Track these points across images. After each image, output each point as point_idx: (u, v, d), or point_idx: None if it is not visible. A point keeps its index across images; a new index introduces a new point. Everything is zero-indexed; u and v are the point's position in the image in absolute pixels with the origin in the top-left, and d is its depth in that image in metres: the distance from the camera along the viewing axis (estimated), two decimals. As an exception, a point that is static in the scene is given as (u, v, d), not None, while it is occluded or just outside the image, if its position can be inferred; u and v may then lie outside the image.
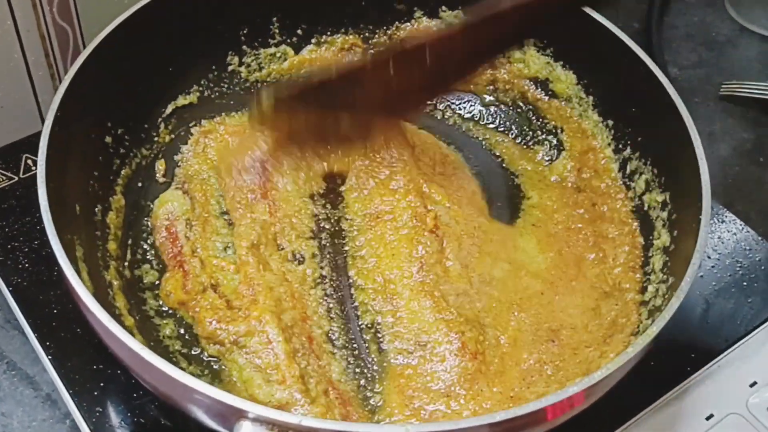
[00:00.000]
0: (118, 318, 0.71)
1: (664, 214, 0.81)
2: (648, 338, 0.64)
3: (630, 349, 0.63)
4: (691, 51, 1.22)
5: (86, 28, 0.95)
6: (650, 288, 0.77)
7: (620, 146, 0.89)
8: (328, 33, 0.99)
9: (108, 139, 0.84)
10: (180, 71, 0.92)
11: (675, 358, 0.80)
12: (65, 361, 0.77)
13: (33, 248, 0.86)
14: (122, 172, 0.86)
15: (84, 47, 0.92)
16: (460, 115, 0.99)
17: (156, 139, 0.91)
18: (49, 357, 0.78)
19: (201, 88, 0.95)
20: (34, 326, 0.80)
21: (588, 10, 0.85)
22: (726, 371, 0.80)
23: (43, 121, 0.95)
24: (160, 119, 0.92)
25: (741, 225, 0.92)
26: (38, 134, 0.93)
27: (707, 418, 0.78)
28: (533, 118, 0.97)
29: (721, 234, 0.91)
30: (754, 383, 0.80)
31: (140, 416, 0.74)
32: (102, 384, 0.76)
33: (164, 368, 0.59)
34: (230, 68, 0.97)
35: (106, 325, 0.61)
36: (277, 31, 0.97)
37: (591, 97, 0.92)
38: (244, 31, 0.95)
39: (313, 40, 0.99)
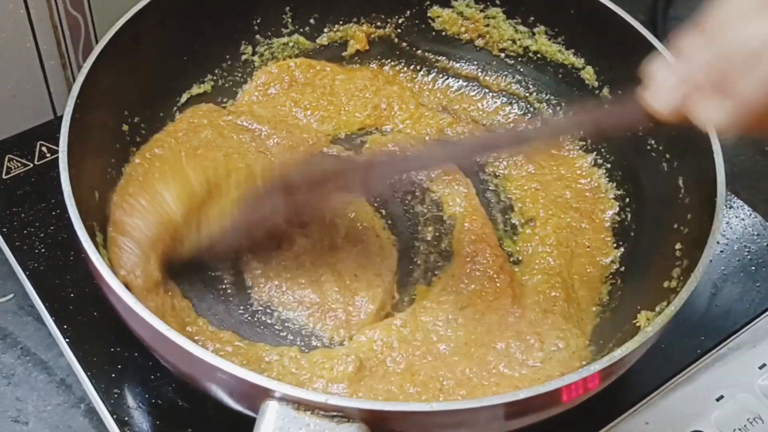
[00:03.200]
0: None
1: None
2: (666, 318, 0.64)
3: (649, 329, 0.63)
4: None
5: (98, 18, 0.95)
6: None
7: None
8: (341, 22, 1.00)
9: (125, 128, 0.85)
10: (194, 60, 0.93)
11: (685, 341, 0.80)
12: (82, 344, 0.78)
13: (49, 234, 0.86)
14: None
15: (96, 37, 0.95)
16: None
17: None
18: (67, 340, 0.78)
19: (215, 77, 0.95)
20: (51, 310, 0.80)
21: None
22: (735, 354, 0.81)
23: (54, 110, 0.97)
24: (175, 108, 0.92)
25: (749, 211, 0.92)
26: (51, 122, 0.96)
27: (717, 400, 0.79)
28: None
29: (729, 219, 0.92)
30: (763, 365, 0.81)
31: (158, 398, 0.75)
32: (120, 366, 0.76)
33: (189, 348, 0.59)
34: (243, 57, 0.97)
35: (131, 306, 0.62)
36: (290, 20, 0.98)
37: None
38: (257, 21, 0.96)
39: (325, 29, 1.00)
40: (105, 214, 0.78)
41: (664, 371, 0.79)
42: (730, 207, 0.93)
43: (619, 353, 0.62)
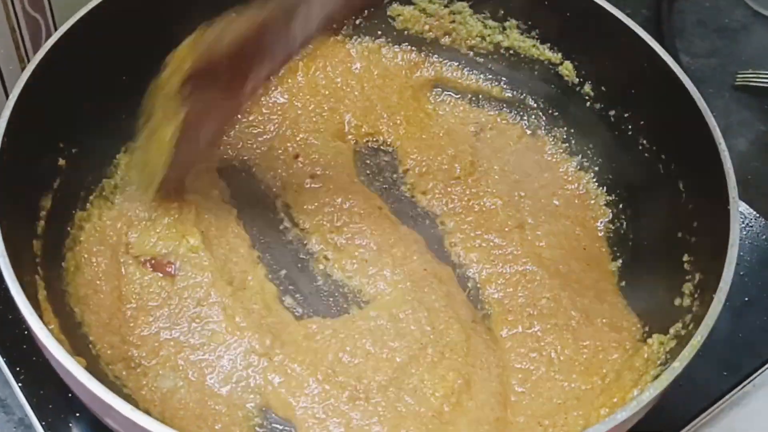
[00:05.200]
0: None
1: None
2: (693, 350, 0.61)
3: (676, 364, 0.60)
4: (703, 39, 1.19)
5: (59, 18, 0.90)
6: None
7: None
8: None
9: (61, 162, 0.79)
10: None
11: (705, 378, 0.76)
12: (37, 388, 0.74)
13: (1, 264, 0.81)
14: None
15: None
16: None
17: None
18: (20, 384, 0.74)
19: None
20: (3, 350, 0.76)
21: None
22: (761, 392, 0.77)
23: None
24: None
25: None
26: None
27: (743, 445, 0.74)
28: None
29: (750, 239, 0.88)
30: (792, 405, 0.76)
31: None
32: (78, 414, 0.73)
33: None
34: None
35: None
36: None
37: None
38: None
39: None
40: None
41: (681, 415, 0.75)
42: (750, 226, 0.88)
43: (646, 396, 0.58)
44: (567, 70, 0.91)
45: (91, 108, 0.80)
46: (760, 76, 1.10)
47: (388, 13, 0.96)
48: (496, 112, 0.95)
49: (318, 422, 0.70)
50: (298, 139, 0.91)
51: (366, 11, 0.96)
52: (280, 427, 0.71)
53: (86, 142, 0.80)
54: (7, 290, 0.75)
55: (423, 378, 0.72)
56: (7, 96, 0.90)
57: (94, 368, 0.62)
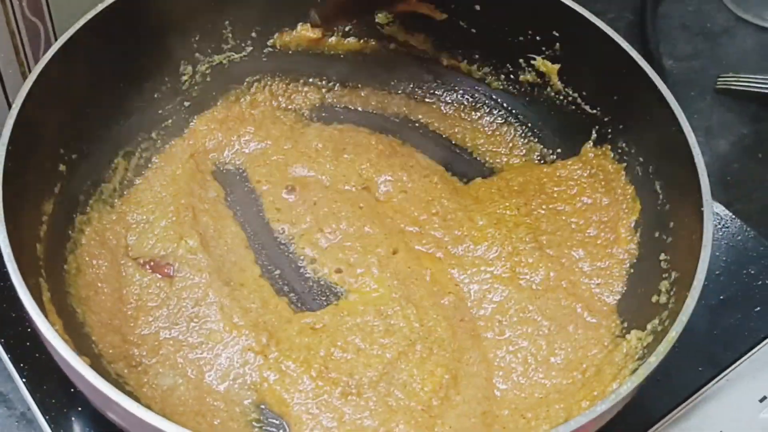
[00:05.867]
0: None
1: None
2: (669, 344, 0.62)
3: (652, 359, 0.61)
4: (686, 42, 1.20)
5: (58, 24, 0.90)
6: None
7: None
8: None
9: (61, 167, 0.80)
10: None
11: (683, 373, 0.77)
12: (40, 384, 0.75)
13: (2, 263, 0.80)
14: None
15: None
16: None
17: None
18: (24, 380, 0.75)
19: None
20: (7, 347, 0.77)
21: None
22: (734, 386, 0.78)
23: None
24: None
25: (747, 229, 0.90)
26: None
27: (717, 436, 0.76)
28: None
29: (727, 240, 0.89)
30: (764, 398, 0.78)
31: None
32: (80, 408, 0.73)
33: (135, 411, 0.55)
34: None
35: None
36: (230, 36, 0.93)
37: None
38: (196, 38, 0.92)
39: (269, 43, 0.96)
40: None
41: (658, 408, 0.76)
42: (725, 227, 0.90)
43: (624, 389, 0.60)
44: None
45: (89, 115, 0.82)
46: (741, 79, 1.12)
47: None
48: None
49: (312, 417, 0.72)
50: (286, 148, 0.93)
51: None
52: (276, 422, 0.73)
53: (85, 148, 0.82)
54: (11, 289, 0.77)
55: (412, 373, 0.74)
56: (7, 99, 0.92)
57: (97, 367, 0.63)
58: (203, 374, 0.74)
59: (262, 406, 0.73)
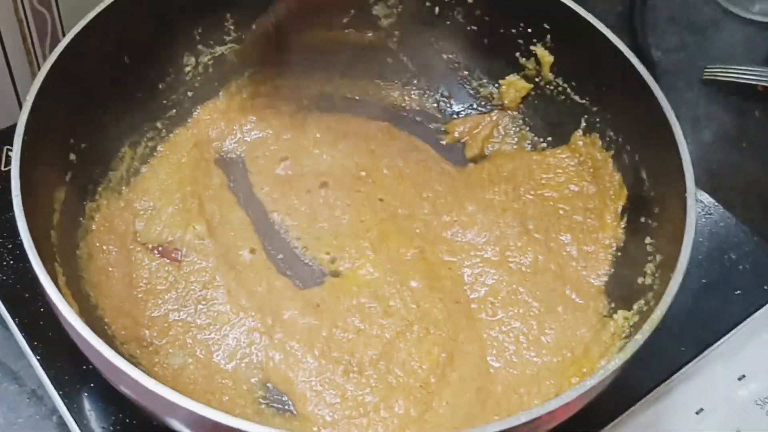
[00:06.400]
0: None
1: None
2: (654, 323, 0.64)
3: (638, 337, 0.63)
4: (674, 34, 1.21)
5: (65, 13, 0.92)
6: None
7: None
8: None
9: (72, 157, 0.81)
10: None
11: (665, 352, 0.79)
12: (54, 361, 0.76)
13: (17, 244, 0.83)
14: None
15: (63, 33, 0.92)
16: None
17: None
18: (38, 357, 0.76)
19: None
20: (22, 326, 0.78)
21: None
22: (714, 365, 0.81)
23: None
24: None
25: (729, 216, 0.92)
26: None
27: (697, 413, 0.79)
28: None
29: (710, 226, 0.91)
30: (743, 376, 0.81)
31: (131, 417, 0.74)
32: (92, 385, 0.75)
33: (148, 384, 0.58)
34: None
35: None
36: (232, 28, 0.95)
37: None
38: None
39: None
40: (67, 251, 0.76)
41: (642, 385, 0.78)
42: (709, 213, 0.92)
43: (612, 365, 0.62)
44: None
45: (97, 105, 0.83)
46: (728, 70, 1.13)
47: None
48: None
49: (315, 394, 0.75)
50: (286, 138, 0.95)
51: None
52: (282, 399, 0.75)
53: (93, 138, 0.83)
54: (24, 271, 0.80)
55: (410, 352, 0.77)
56: (15, 87, 0.94)
57: (110, 347, 0.64)
58: (212, 354, 0.76)
59: (268, 384, 0.76)
